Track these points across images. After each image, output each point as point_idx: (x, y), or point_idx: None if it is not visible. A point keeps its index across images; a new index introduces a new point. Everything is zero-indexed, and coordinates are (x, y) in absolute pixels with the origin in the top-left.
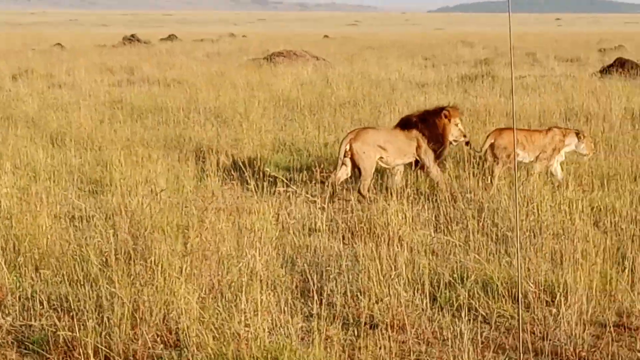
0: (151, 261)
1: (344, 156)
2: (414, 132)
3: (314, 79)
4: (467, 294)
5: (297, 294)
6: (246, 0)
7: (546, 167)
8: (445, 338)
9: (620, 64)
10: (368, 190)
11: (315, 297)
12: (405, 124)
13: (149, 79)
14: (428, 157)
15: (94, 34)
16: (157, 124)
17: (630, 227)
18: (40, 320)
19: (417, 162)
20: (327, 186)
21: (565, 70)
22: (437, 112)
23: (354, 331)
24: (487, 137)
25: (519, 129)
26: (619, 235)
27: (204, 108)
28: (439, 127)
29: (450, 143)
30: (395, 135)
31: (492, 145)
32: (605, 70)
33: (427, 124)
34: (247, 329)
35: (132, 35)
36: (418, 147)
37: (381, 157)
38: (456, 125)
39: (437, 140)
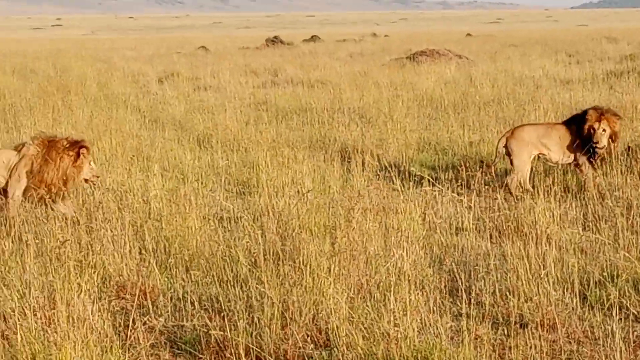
0: (299, 261)
1: (501, 153)
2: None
3: (457, 78)
4: (617, 293)
5: (445, 294)
6: (388, 0)
7: None
8: (597, 337)
9: None
10: (521, 189)
11: (464, 297)
12: (571, 121)
13: (293, 80)
14: (582, 155)
15: (237, 36)
16: (301, 124)
17: None
18: (191, 320)
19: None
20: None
21: None
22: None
23: (503, 330)
24: None
25: None
26: None
27: (348, 108)
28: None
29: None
30: (557, 132)
31: None
32: None
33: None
34: (396, 328)
35: (275, 37)
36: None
37: (542, 154)
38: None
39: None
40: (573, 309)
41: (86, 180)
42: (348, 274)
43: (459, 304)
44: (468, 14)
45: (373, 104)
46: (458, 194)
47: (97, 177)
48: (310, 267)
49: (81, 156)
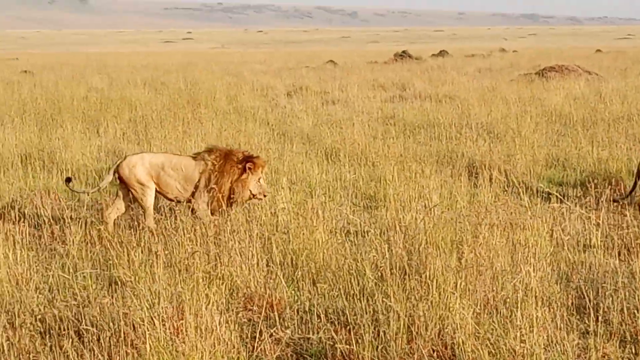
0: (426, 276)
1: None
2: None
3: (587, 94)
4: None
5: (572, 311)
6: (516, 14)
7: None
8: None
9: None
10: None
11: (592, 314)
12: None
13: (421, 94)
14: None
15: (365, 51)
16: (429, 139)
17: None
18: (318, 333)
19: None
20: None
21: None
22: None
23: (631, 349)
24: None
25: None
26: None
27: (476, 123)
28: None
29: None
30: None
31: None
32: None
33: None
34: (522, 344)
35: (404, 52)
36: None
37: None
38: None
39: None
40: None
41: (253, 196)
42: (474, 289)
43: (586, 322)
44: (598, 30)
45: (501, 120)
46: (586, 211)
47: (265, 195)
48: (436, 282)
49: (247, 171)
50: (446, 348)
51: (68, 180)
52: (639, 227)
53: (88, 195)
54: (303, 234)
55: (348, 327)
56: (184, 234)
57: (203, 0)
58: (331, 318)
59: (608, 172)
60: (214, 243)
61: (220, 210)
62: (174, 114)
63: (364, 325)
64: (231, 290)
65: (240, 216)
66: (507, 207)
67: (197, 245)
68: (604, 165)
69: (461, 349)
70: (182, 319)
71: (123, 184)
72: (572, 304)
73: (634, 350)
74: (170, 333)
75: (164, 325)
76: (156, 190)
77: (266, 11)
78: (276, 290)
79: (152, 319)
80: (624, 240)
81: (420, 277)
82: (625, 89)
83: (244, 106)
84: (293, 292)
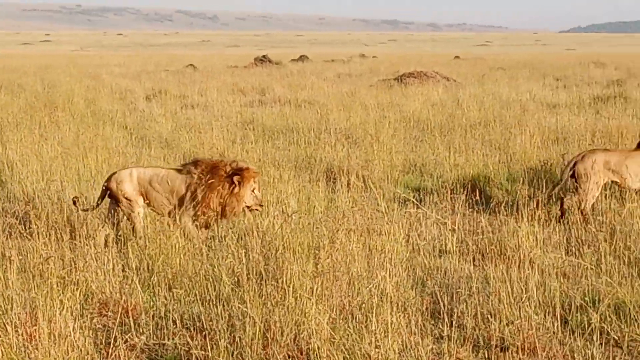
0: (282, 281)
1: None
2: None
3: (445, 100)
4: (599, 318)
5: (427, 316)
6: (377, 20)
7: None
8: None
9: None
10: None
11: (446, 319)
12: None
13: (280, 99)
14: None
15: (225, 55)
16: (288, 144)
17: None
18: (173, 339)
19: None
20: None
21: None
22: None
23: (484, 354)
24: None
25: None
26: None
27: (335, 129)
28: None
29: None
30: (631, 158)
31: None
32: None
33: None
34: (377, 350)
35: (264, 56)
36: None
37: (614, 181)
38: None
39: None
40: (554, 333)
41: (249, 208)
42: (330, 294)
43: (440, 327)
44: (457, 37)
45: (360, 125)
46: (442, 216)
47: (261, 205)
48: (293, 287)
49: (237, 185)
50: (302, 353)
51: (74, 201)
52: (493, 232)
53: (90, 211)
54: (160, 239)
55: (204, 333)
56: (38, 238)
57: (62, 2)
58: (187, 324)
59: (464, 178)
60: (69, 248)
61: (210, 225)
62: (30, 117)
63: (219, 331)
64: (86, 296)
65: (96, 220)
66: (364, 213)
67: (51, 250)
68: (460, 171)
69: (316, 354)
70: (36, 325)
71: (112, 199)
72: (427, 309)
73: (486, 355)
74: (23, 339)
75: (16, 331)
76: (148, 206)
77: (126, 14)
78: (132, 295)
79: (4, 325)
80: (479, 245)
81: (277, 282)
82: (482, 95)
83: (102, 109)
84: (148, 297)
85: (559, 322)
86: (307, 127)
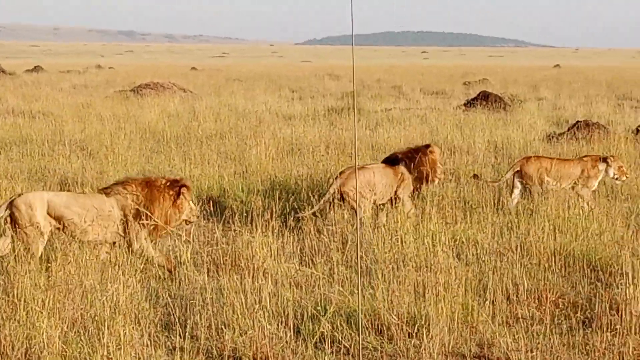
0: (13, 295)
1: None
2: (401, 168)
3: (181, 111)
4: (330, 326)
5: (160, 327)
6: (114, 31)
7: (588, 194)
8: None
9: (484, 97)
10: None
11: (179, 330)
12: (391, 161)
13: (14, 110)
14: (405, 192)
15: None
16: (21, 156)
17: (491, 258)
18: None
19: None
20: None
21: (430, 103)
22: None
23: None
24: (512, 166)
25: (549, 158)
26: (481, 267)
27: (70, 140)
28: (426, 163)
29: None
30: (385, 174)
31: (519, 174)
32: (470, 103)
33: (414, 160)
34: None
35: None
36: (401, 182)
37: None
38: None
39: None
40: (287, 342)
41: (186, 222)
42: (63, 307)
43: (173, 338)
44: (194, 48)
45: (95, 136)
46: (178, 228)
47: (197, 217)
48: (24, 301)
49: (181, 196)
50: None
51: None
52: (227, 243)
53: None
54: None
55: None
56: None
57: None
58: None
59: (200, 189)
60: None
61: (158, 238)
62: None
63: None
64: None
65: None
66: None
67: None
68: (196, 182)
69: None
70: None
71: (12, 223)
72: (160, 320)
73: None
74: None
75: None
76: (65, 232)
77: None
78: None
79: None
80: (213, 256)
81: (8, 296)
82: (218, 107)
83: None
84: None
85: (292, 332)
86: (41, 138)
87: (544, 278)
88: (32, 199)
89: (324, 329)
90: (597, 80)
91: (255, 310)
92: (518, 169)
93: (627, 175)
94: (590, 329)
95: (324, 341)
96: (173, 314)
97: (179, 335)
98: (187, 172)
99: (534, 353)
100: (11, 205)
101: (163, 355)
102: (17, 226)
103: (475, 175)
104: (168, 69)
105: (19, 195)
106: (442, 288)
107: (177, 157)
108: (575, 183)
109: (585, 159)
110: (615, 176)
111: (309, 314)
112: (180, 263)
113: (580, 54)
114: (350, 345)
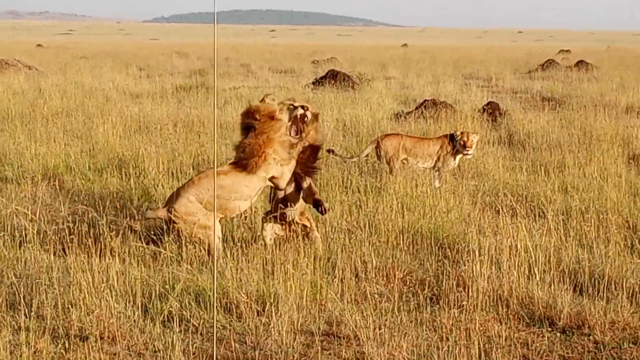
0: None
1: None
2: None
3: (26, 89)
4: (179, 305)
5: (5, 307)
6: None
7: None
8: (157, 349)
9: (333, 76)
10: None
11: (25, 310)
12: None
13: None
14: None
15: None
16: None
17: (340, 237)
18: None
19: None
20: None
21: (279, 81)
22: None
23: (64, 343)
24: (370, 143)
25: (409, 136)
26: (330, 245)
27: None
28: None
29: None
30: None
31: (377, 149)
32: (318, 82)
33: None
34: None
35: None
36: None
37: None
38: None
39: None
40: (135, 321)
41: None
42: None
43: (18, 318)
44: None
45: None
46: (23, 207)
47: None
48: None
49: None
50: None
51: None
52: (73, 222)
53: None
54: None
55: None
56: None
57: None
58: None
59: (46, 168)
60: None
61: None
62: None
63: None
64: None
65: None
66: None
67: None
68: (42, 160)
69: None
70: None
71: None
72: (5, 300)
73: (66, 345)
74: None
75: None
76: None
77: None
78: None
79: None
80: (59, 235)
81: None
82: (65, 85)
83: None
84: None
85: (140, 310)
86: None
87: (392, 256)
88: None
89: (172, 307)
90: (444, 60)
91: (102, 289)
92: (376, 145)
93: (472, 146)
94: (437, 305)
95: (172, 320)
96: (18, 294)
97: (25, 315)
98: (33, 150)
99: (382, 330)
100: None
101: (8, 335)
102: None
103: (330, 150)
104: (12, 46)
105: None
106: (291, 266)
107: (22, 134)
108: (436, 161)
109: (442, 137)
110: (466, 151)
111: (157, 292)
112: (26, 242)
113: (427, 33)
114: (198, 324)
